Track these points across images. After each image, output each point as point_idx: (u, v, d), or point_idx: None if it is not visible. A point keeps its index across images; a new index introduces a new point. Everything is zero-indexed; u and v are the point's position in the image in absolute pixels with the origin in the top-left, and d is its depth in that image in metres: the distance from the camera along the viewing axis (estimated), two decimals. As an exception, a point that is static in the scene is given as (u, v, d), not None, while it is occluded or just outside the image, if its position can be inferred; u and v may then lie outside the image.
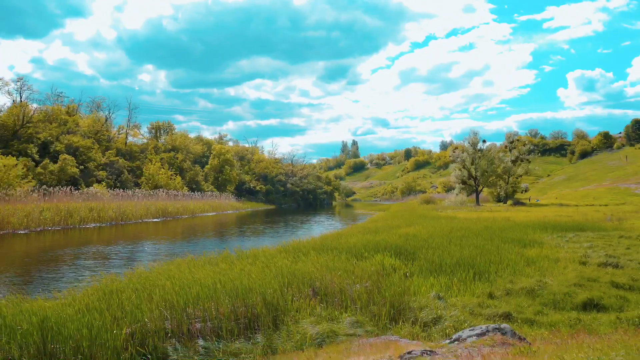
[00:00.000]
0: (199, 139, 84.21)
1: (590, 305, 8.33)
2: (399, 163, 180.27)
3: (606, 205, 42.62)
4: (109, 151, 53.14)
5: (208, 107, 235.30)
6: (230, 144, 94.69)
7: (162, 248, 21.95)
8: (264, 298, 7.10)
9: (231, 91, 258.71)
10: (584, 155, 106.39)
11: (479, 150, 53.73)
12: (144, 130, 70.94)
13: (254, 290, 7.28)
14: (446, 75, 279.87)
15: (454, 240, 15.04)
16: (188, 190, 57.43)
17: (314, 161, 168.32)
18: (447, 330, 6.60)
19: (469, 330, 4.99)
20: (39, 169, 40.60)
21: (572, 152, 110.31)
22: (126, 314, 6.39)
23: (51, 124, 48.57)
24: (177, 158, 64.40)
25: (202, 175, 68.18)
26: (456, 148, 60.08)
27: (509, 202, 53.65)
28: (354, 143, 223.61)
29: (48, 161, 42.05)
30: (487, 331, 4.72)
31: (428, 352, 3.90)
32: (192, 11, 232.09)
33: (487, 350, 3.86)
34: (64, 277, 14.08)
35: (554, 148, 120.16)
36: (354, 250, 12.77)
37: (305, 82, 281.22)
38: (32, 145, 43.65)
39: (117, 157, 52.91)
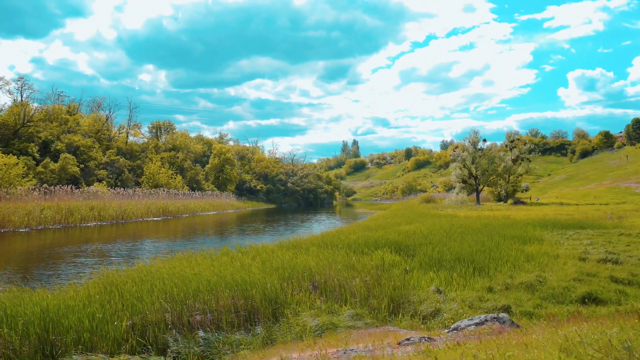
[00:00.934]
0: (200, 139, 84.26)
1: (589, 299, 8.35)
2: (399, 162, 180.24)
3: (607, 204, 42.63)
4: (110, 150, 53.19)
5: (208, 107, 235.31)
6: (231, 143, 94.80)
7: (162, 246, 21.98)
8: (264, 291, 7.13)
9: (231, 91, 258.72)
10: (585, 154, 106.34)
11: (479, 149, 53.73)
12: (145, 129, 71.07)
13: (254, 284, 7.31)
14: (446, 74, 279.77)
15: (454, 237, 15.07)
16: (188, 190, 57.48)
17: (315, 161, 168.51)
18: (447, 322, 6.63)
19: (468, 320, 5.02)
20: (39, 168, 40.65)
21: (573, 152, 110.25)
22: (127, 306, 6.42)
23: (52, 123, 48.62)
24: (177, 157, 64.45)
25: (202, 175, 68.22)
26: (456, 147, 60.07)
27: (510, 201, 53.66)
28: (355, 143, 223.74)
29: (49, 160, 42.11)
30: (486, 320, 4.74)
31: (426, 339, 3.93)
32: (192, 11, 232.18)
33: (485, 337, 3.89)
34: (65, 273, 14.12)
35: (554, 147, 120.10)
36: (353, 246, 12.81)
37: (306, 82, 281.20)
38: (32, 144, 43.71)
39: (118, 157, 52.97)
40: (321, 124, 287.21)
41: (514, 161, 55.35)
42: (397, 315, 7.28)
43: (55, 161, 42.72)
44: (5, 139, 42.71)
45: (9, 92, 49.15)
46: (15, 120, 44.49)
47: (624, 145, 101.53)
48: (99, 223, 33.43)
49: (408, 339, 3.92)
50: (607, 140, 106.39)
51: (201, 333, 6.01)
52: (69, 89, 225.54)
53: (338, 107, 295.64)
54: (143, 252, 19.77)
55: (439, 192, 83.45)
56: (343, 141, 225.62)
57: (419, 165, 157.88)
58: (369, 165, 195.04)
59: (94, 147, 49.98)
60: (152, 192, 47.44)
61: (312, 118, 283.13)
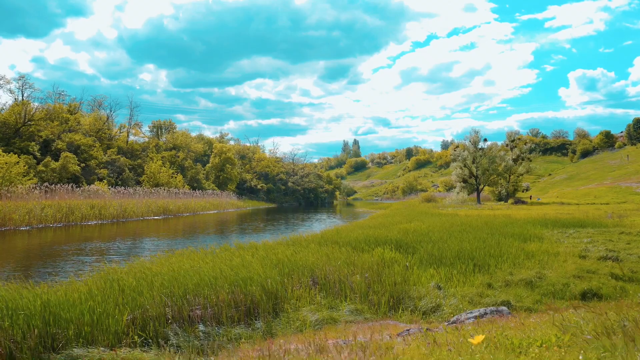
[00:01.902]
0: (200, 138, 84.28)
1: (589, 295, 8.37)
2: (400, 162, 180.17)
3: (607, 203, 42.61)
4: (111, 149, 53.21)
5: (209, 107, 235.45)
6: (232, 143, 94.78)
7: (163, 244, 22.00)
8: (264, 286, 7.15)
9: (232, 91, 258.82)
10: (585, 154, 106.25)
11: (480, 148, 53.72)
12: (145, 129, 71.12)
13: (254, 279, 7.33)
14: (447, 74, 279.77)
15: (454, 234, 15.08)
16: (189, 189, 57.49)
17: (315, 160, 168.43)
18: (447, 317, 6.65)
19: (467, 313, 5.03)
20: (40, 167, 40.68)
21: (574, 152, 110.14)
22: (127, 300, 6.44)
23: (53, 122, 48.63)
24: (178, 156, 64.47)
25: (203, 174, 68.25)
26: (457, 147, 60.02)
27: (510, 200, 53.64)
28: (355, 142, 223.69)
29: (49, 159, 42.14)
30: (485, 313, 4.75)
31: (426, 330, 3.94)
32: (193, 11, 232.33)
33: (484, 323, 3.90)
34: (65, 270, 14.13)
35: (555, 147, 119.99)
36: (354, 243, 12.82)
37: (306, 81, 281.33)
38: (33, 143, 43.74)
39: (119, 156, 52.98)
40: (322, 123, 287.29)
41: (515, 161, 55.32)
42: (397, 311, 7.29)
43: (56, 160, 42.75)
44: (6, 138, 42.75)
45: (10, 91, 49.19)
46: (16, 119, 44.53)
47: (625, 145, 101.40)
48: (99, 222, 33.45)
49: (407, 330, 3.93)
50: (608, 140, 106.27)
51: (201, 327, 6.03)
52: (69, 89, 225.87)
53: (339, 107, 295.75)
54: (143, 250, 19.79)
55: (440, 191, 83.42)
56: (344, 141, 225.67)
57: (420, 165, 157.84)
58: (370, 165, 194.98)
59: (95, 146, 50.01)
60: (153, 191, 47.46)
61: (313, 118, 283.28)
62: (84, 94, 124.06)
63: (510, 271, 10.16)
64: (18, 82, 49.58)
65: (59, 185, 36.68)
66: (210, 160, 72.24)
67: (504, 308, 5.01)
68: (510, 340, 2.50)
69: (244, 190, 75.69)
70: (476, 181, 53.38)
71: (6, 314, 5.64)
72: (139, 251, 19.26)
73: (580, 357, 2.17)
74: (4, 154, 35.47)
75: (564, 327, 2.56)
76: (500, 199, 56.67)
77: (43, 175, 39.85)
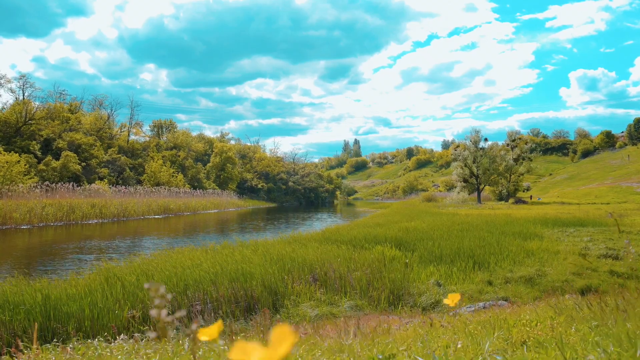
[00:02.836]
0: (201, 137, 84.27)
1: (588, 292, 8.37)
2: (400, 162, 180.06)
3: (608, 203, 42.59)
4: (111, 149, 53.25)
5: (210, 106, 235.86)
6: (232, 142, 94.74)
7: (163, 243, 22.02)
8: (264, 282, 7.17)
9: (232, 90, 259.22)
10: (586, 154, 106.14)
11: (480, 148, 53.69)
12: (146, 128, 71.14)
13: (255, 275, 7.35)
14: (448, 74, 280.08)
15: (454, 233, 15.09)
16: (190, 188, 57.52)
17: (316, 160, 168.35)
18: (446, 312, 6.65)
19: (467, 307, 5.05)
20: (41, 166, 40.73)
21: (574, 151, 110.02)
22: (128, 295, 6.46)
23: (53, 121, 48.66)
24: (179, 156, 64.50)
25: (203, 173, 68.27)
26: (458, 146, 60.01)
27: (511, 200, 53.61)
28: (356, 142, 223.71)
29: (50, 158, 42.18)
30: (485, 307, 4.77)
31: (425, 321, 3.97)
32: (193, 10, 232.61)
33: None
34: (66, 268, 14.16)
35: (555, 147, 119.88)
36: (354, 241, 12.83)
37: (307, 81, 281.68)
38: (34, 142, 43.78)
39: (119, 155, 53.02)
40: (322, 123, 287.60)
41: (516, 160, 55.29)
42: (396, 307, 7.31)
43: (57, 159, 42.79)
44: (7, 137, 42.79)
45: (11, 90, 49.22)
46: (17, 118, 44.57)
47: (626, 145, 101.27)
48: (100, 220, 33.48)
49: (407, 322, 3.95)
50: (609, 140, 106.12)
51: (202, 322, 6.05)
52: (70, 88, 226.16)
53: (339, 107, 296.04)
54: (144, 248, 19.81)
55: (440, 191, 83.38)
56: (344, 141, 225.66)
57: (420, 165, 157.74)
58: (370, 164, 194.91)
59: (96, 146, 50.05)
60: (154, 190, 47.50)
61: (314, 117, 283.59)
62: (84, 94, 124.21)
63: (511, 269, 10.18)
64: (19, 82, 49.65)
65: (59, 184, 36.72)
66: (211, 159, 72.26)
67: (504, 302, 5.03)
68: (505, 321, 2.53)
69: (244, 190, 75.72)
70: (477, 181, 53.36)
71: (7, 308, 5.67)
72: (140, 249, 19.29)
73: (573, 329, 2.20)
74: (5, 153, 35.51)
75: (559, 309, 2.59)
76: (500, 199, 56.64)
77: (44, 174, 39.89)
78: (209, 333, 0.90)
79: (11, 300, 5.87)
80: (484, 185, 55.00)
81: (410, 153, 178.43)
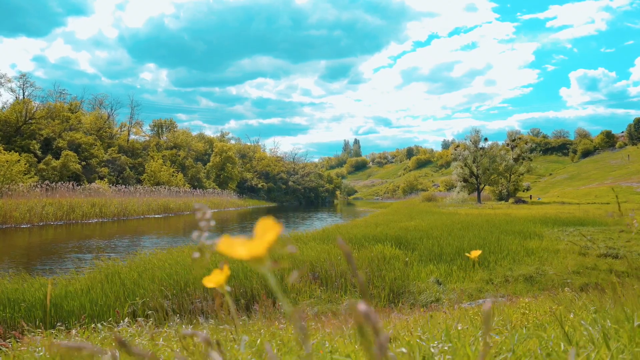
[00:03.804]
0: (201, 137, 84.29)
1: (587, 290, 8.38)
2: (400, 162, 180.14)
3: (608, 203, 42.62)
4: (111, 148, 53.27)
5: (210, 106, 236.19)
6: (232, 142, 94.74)
7: (163, 242, 22.03)
8: (263, 280, 7.17)
9: (233, 90, 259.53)
10: (586, 154, 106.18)
11: (480, 148, 53.71)
12: (146, 128, 71.15)
13: (253, 273, 7.36)
14: (448, 74, 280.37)
15: (454, 232, 15.11)
16: (190, 187, 57.55)
17: (316, 160, 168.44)
18: (446, 307, 6.68)
19: (467, 304, 5.07)
20: (41, 165, 40.75)
21: (574, 151, 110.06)
22: (128, 293, 6.47)
23: (54, 120, 48.68)
24: (179, 155, 64.52)
25: (204, 173, 68.30)
26: (458, 146, 60.02)
27: (511, 200, 53.63)
28: (356, 142, 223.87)
29: (50, 157, 42.20)
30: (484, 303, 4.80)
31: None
32: (194, 10, 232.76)
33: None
34: (66, 267, 14.17)
35: (556, 147, 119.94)
36: (354, 240, 12.85)
37: (307, 81, 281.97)
38: (34, 141, 43.80)
39: (120, 154, 53.05)
40: (323, 123, 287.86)
41: (516, 160, 55.30)
42: (397, 305, 7.32)
43: (57, 158, 42.81)
44: (7, 136, 42.81)
45: (11, 89, 49.26)
46: (17, 117, 44.59)
47: (626, 145, 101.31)
48: (100, 220, 33.50)
49: (408, 317, 3.97)
50: (609, 140, 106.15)
51: (202, 319, 6.06)
52: (70, 88, 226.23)
53: (340, 107, 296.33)
54: (144, 247, 19.82)
55: (440, 191, 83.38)
56: (344, 140, 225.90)
57: (420, 165, 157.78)
58: (370, 164, 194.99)
59: (96, 145, 50.07)
60: (154, 189, 47.52)
61: (314, 117, 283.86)
62: (84, 93, 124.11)
63: (510, 267, 10.20)
64: (19, 81, 49.69)
65: (59, 183, 36.74)
66: (211, 159, 72.29)
67: (503, 299, 5.04)
68: (505, 311, 2.54)
69: (244, 189, 75.75)
70: (477, 180, 53.38)
71: (8, 305, 5.68)
72: (140, 248, 19.30)
73: (572, 315, 2.22)
74: (5, 152, 35.52)
75: (558, 300, 2.60)
76: (500, 199, 56.66)
77: (44, 173, 39.92)
78: (215, 280, 0.92)
79: (12, 297, 5.88)
80: (484, 185, 55.02)
81: (410, 153, 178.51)
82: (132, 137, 63.77)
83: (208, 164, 72.12)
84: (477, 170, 52.88)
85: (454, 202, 50.11)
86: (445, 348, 1.43)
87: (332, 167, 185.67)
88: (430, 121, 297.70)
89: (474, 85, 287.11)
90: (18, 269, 13.39)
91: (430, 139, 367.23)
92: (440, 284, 8.42)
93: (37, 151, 42.82)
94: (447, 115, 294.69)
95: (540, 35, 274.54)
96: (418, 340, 1.73)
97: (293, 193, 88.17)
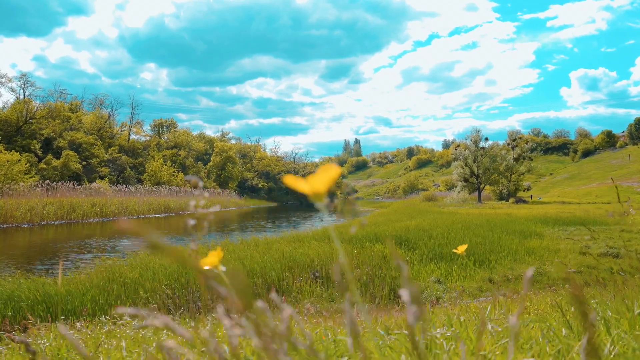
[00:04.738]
0: (202, 137, 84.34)
1: (589, 286, 8.40)
2: (401, 162, 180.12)
3: (608, 202, 42.63)
4: (112, 148, 53.32)
5: (210, 106, 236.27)
6: (233, 142, 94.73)
7: (164, 241, 22.02)
8: (265, 279, 7.19)
9: (233, 90, 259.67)
10: (587, 154, 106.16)
11: (481, 148, 53.71)
12: (147, 127, 71.19)
13: (256, 271, 7.38)
14: (449, 74, 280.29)
15: (455, 231, 15.12)
16: (190, 187, 57.57)
17: (316, 159, 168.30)
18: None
19: (467, 302, 5.08)
20: (42, 165, 40.80)
21: (575, 151, 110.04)
22: (129, 292, 6.48)
23: (54, 120, 48.73)
24: (179, 155, 64.59)
25: (204, 173, 68.33)
26: (458, 146, 60.02)
27: (511, 199, 53.62)
28: (357, 142, 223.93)
29: (51, 157, 42.25)
30: (485, 300, 4.80)
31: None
32: (194, 10, 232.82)
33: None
34: (66, 266, 14.18)
35: (556, 147, 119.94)
36: (355, 239, 12.85)
37: (308, 80, 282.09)
38: (35, 141, 43.85)
39: (120, 154, 53.11)
40: (323, 123, 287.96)
41: (516, 160, 55.29)
42: (397, 304, 7.33)
43: (58, 158, 42.86)
44: (8, 136, 42.85)
45: (12, 89, 49.32)
46: (18, 117, 44.64)
47: (626, 144, 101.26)
48: (100, 219, 33.53)
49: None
50: (610, 140, 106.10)
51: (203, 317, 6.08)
52: (70, 87, 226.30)
53: (340, 106, 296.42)
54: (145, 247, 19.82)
55: (441, 190, 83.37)
56: (345, 140, 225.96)
57: (421, 164, 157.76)
58: (371, 164, 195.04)
59: (96, 145, 50.12)
60: (154, 189, 47.56)
61: (314, 117, 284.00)
62: (85, 93, 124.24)
63: (511, 266, 10.22)
64: (19, 81, 49.75)
65: (60, 183, 36.77)
66: (212, 159, 72.34)
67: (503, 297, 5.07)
68: (506, 305, 2.56)
69: (245, 189, 75.82)
70: (477, 180, 53.38)
71: (9, 305, 5.69)
72: (140, 248, 19.30)
73: (572, 309, 2.23)
74: (6, 151, 35.56)
75: (559, 295, 2.61)
76: (501, 198, 56.65)
77: (45, 173, 39.96)
78: (210, 261, 0.94)
79: (13, 296, 5.89)
80: (485, 185, 55.03)
81: (410, 153, 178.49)
82: (133, 136, 63.85)
83: (209, 163, 72.16)
84: (477, 170, 52.89)
85: (454, 202, 50.12)
86: (448, 334, 1.45)
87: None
88: (430, 121, 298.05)
89: (474, 85, 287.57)
90: (19, 269, 13.41)
91: (431, 139, 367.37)
92: (441, 283, 8.44)
93: (38, 151, 42.87)
94: (448, 115, 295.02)
95: (540, 34, 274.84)
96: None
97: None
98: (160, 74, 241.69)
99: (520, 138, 59.56)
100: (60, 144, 45.48)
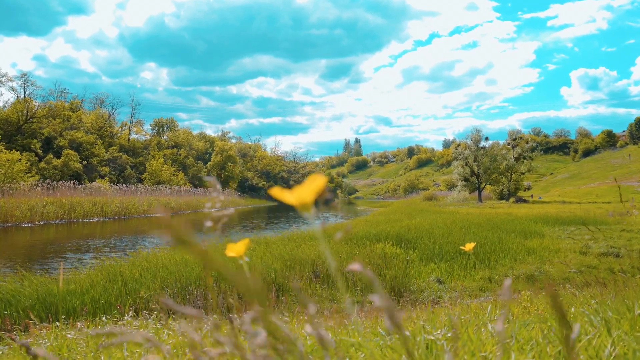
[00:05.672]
0: (202, 136, 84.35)
1: (589, 286, 8.39)
2: (401, 161, 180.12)
3: (609, 202, 42.64)
4: (112, 147, 53.34)
5: (211, 105, 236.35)
6: (233, 141, 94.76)
7: (164, 241, 22.04)
8: (265, 278, 7.20)
9: (233, 89, 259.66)
10: (587, 153, 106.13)
11: (481, 147, 53.70)
12: (147, 127, 71.21)
13: (255, 271, 7.39)
14: (449, 73, 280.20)
15: (455, 230, 15.12)
16: (191, 186, 57.64)
17: (317, 159, 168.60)
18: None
19: (468, 302, 5.08)
20: (42, 164, 40.81)
21: (575, 151, 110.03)
22: (129, 291, 6.49)
23: (55, 119, 48.74)
24: (180, 154, 64.61)
25: (204, 172, 68.34)
26: (458, 145, 60.00)
27: (512, 199, 53.62)
28: (357, 141, 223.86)
29: (52, 156, 42.26)
30: (485, 300, 4.80)
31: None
32: (194, 9, 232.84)
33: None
34: (66, 265, 14.19)
35: (557, 146, 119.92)
36: (355, 239, 12.85)
37: (308, 80, 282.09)
38: (35, 140, 43.87)
39: (120, 153, 53.12)
40: (323, 122, 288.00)
41: (516, 159, 55.29)
42: (398, 304, 7.34)
43: (58, 157, 42.88)
44: (8, 135, 42.86)
45: (12, 88, 49.30)
46: (18, 116, 44.66)
47: (627, 144, 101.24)
48: (101, 219, 33.55)
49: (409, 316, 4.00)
50: (610, 140, 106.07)
51: (204, 317, 6.08)
52: (71, 87, 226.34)
53: (340, 106, 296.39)
54: (145, 246, 19.84)
55: (441, 190, 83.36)
56: (345, 139, 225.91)
57: (421, 164, 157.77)
58: (371, 163, 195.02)
59: (97, 144, 50.14)
60: (155, 188, 47.60)
61: (315, 116, 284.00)
62: (85, 92, 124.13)
63: (511, 266, 10.22)
64: (20, 80, 49.73)
65: (60, 182, 36.78)
66: (212, 158, 72.37)
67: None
68: (507, 305, 2.55)
69: (245, 189, 75.86)
70: (477, 180, 53.38)
71: (9, 304, 5.70)
72: (141, 247, 19.32)
73: (572, 309, 2.24)
74: (6, 151, 35.57)
75: (559, 295, 2.61)
76: (501, 198, 56.64)
77: (45, 172, 39.98)
78: (235, 249, 0.95)
79: (13, 296, 5.90)
80: (485, 184, 55.02)
81: (411, 152, 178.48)
82: (133, 136, 63.87)
83: (209, 163, 72.20)
84: (478, 169, 52.89)
85: (454, 201, 50.12)
86: (449, 335, 1.45)
87: (332, 167, 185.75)
88: (431, 120, 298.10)
89: (474, 85, 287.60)
90: (19, 268, 13.43)
91: (431, 138, 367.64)
92: (441, 283, 8.44)
93: (38, 150, 42.89)
94: (448, 114, 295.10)
95: (541, 34, 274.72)
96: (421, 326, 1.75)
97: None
98: (161, 73, 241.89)
99: (520, 137, 59.57)
100: (60, 143, 45.50)
